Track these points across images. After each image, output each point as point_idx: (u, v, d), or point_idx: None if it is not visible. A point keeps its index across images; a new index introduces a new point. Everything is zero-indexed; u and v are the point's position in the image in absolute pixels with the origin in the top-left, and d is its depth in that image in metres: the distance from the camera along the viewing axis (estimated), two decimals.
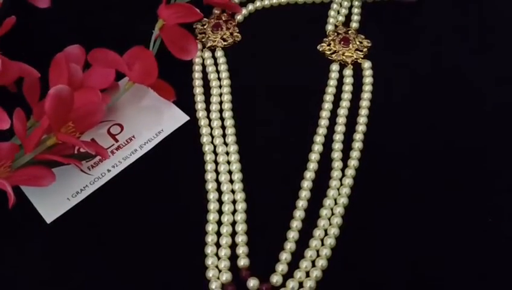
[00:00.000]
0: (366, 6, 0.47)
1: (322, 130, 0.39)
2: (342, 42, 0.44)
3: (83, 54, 0.41)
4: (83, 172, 0.38)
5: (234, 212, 0.36)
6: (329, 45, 0.44)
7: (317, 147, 0.38)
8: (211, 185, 0.37)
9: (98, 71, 0.40)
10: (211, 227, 0.35)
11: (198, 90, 0.42)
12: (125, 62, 0.40)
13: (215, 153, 0.39)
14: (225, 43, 0.45)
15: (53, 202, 0.36)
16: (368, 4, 0.47)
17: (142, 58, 0.39)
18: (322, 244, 0.34)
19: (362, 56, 0.43)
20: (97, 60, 0.39)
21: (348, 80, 0.42)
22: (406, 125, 0.40)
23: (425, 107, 0.41)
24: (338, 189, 0.37)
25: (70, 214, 0.36)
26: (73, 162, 0.35)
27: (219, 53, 0.44)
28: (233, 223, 0.35)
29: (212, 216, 0.36)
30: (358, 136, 0.39)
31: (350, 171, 0.37)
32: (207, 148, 0.39)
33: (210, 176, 0.37)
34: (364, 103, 0.41)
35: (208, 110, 0.41)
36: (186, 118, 0.41)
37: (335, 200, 0.36)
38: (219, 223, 0.35)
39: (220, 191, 0.37)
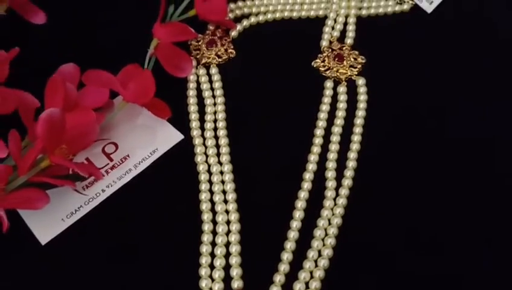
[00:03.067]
0: (361, 22, 0.47)
1: (316, 149, 0.39)
2: (336, 59, 0.44)
3: (78, 72, 0.41)
4: (78, 192, 0.38)
5: (228, 232, 0.36)
6: (323, 61, 0.44)
7: (311, 166, 0.39)
8: (205, 206, 0.37)
9: (92, 90, 0.40)
10: (204, 248, 0.35)
11: (193, 108, 0.42)
12: (119, 81, 0.40)
13: (210, 173, 0.39)
14: (220, 59, 0.45)
15: (47, 222, 0.36)
16: (363, 19, 0.47)
17: (136, 77, 0.39)
18: (316, 266, 0.34)
19: (356, 73, 0.44)
20: (91, 81, 0.39)
21: (342, 98, 0.42)
22: (400, 143, 0.40)
23: (420, 124, 0.41)
24: (332, 209, 0.37)
25: (65, 235, 0.36)
26: (67, 184, 0.35)
27: (213, 70, 0.44)
28: (227, 245, 0.35)
29: (206, 237, 0.36)
30: (353, 155, 0.39)
31: (344, 191, 0.37)
32: (201, 167, 0.39)
33: (204, 196, 0.37)
34: (359, 121, 0.41)
35: (202, 128, 0.41)
36: (180, 136, 0.41)
37: (329, 220, 0.36)
38: (213, 244, 0.35)
39: (214, 212, 0.37)
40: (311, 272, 0.34)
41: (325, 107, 0.42)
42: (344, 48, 0.45)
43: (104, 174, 0.39)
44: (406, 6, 0.48)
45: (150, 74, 0.39)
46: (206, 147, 0.40)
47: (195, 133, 0.40)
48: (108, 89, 0.40)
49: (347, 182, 0.38)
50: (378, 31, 0.47)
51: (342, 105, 0.42)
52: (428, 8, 0.48)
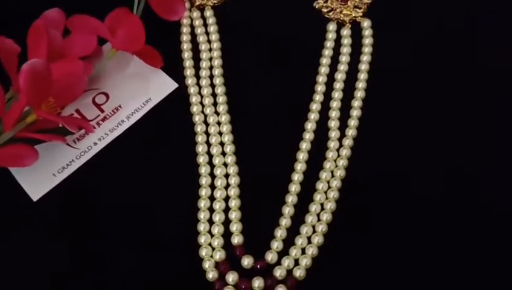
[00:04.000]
0: None
1: (318, 97, 0.37)
2: None
3: (63, 18, 0.38)
4: (69, 146, 0.36)
5: (227, 186, 0.35)
6: (326, 1, 0.41)
7: (314, 116, 0.37)
8: (202, 159, 0.35)
9: (79, 38, 0.37)
10: (203, 203, 0.34)
11: (187, 54, 0.39)
12: (107, 27, 0.37)
13: (206, 124, 0.37)
14: (215, 1, 0.42)
15: (38, 178, 0.35)
16: None
17: (126, 23, 0.36)
18: (318, 220, 0.33)
19: (361, 14, 0.41)
20: (77, 27, 0.37)
21: (346, 41, 0.39)
22: (408, 90, 0.38)
23: (430, 72, 0.39)
24: (335, 160, 0.35)
25: (56, 190, 0.35)
26: (57, 140, 0.33)
27: (208, 13, 0.41)
28: (227, 199, 0.34)
29: (204, 191, 0.34)
30: (357, 103, 0.37)
31: (348, 141, 0.36)
32: (197, 118, 0.37)
33: (201, 148, 0.36)
34: (364, 66, 0.38)
35: (197, 76, 0.39)
36: (174, 85, 0.38)
37: (332, 172, 0.35)
38: (211, 198, 0.34)
39: (212, 165, 0.35)
40: (313, 227, 0.33)
41: (327, 52, 0.39)
42: None
43: (95, 127, 0.37)
44: None
45: (139, 19, 0.36)
46: (202, 96, 0.38)
47: (190, 81, 0.38)
48: (96, 36, 0.37)
49: (351, 132, 0.36)
50: None
51: (345, 49, 0.39)
52: None
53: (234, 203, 0.34)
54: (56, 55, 0.36)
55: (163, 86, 0.38)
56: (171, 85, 0.38)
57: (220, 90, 0.38)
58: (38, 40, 0.35)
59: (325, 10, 0.41)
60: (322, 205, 0.34)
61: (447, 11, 0.41)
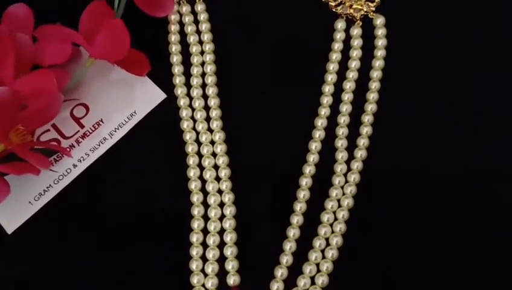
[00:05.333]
0: None
1: (324, 111, 0.33)
2: None
3: (31, 15, 0.33)
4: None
5: (222, 218, 0.31)
6: None
7: (319, 133, 0.33)
8: (194, 185, 0.32)
9: (51, 44, 0.32)
10: (195, 237, 0.31)
11: (176, 58, 0.35)
12: (83, 28, 0.32)
13: (199, 143, 0.33)
14: None
15: (13, 207, 0.31)
16: None
17: (106, 27, 0.31)
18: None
19: (374, 9, 0.36)
20: (47, 37, 0.32)
21: (356, 43, 0.35)
22: (426, 99, 0.34)
23: (451, 76, 0.34)
24: (342, 187, 0.32)
25: (34, 220, 0.31)
26: (29, 172, 0.29)
27: (200, 7, 0.36)
28: (221, 232, 0.31)
29: (197, 223, 0.31)
30: (368, 118, 0.33)
31: (357, 164, 0.32)
32: (188, 136, 0.33)
33: (193, 172, 0.32)
34: (376, 74, 0.34)
35: (188, 84, 0.34)
36: (162, 95, 0.34)
37: (338, 201, 0.31)
38: (205, 232, 0.31)
39: (205, 191, 0.32)
40: (317, 265, 0.30)
41: (335, 56, 0.34)
42: None
43: (74, 145, 0.33)
44: None
45: (122, 23, 0.31)
46: (193, 110, 0.34)
47: (180, 91, 0.34)
48: (69, 43, 0.32)
49: (360, 153, 0.32)
50: None
51: (355, 53, 0.34)
52: None
53: (230, 237, 0.30)
54: (25, 64, 0.32)
55: (149, 96, 0.34)
56: (159, 96, 0.34)
57: (213, 102, 0.34)
58: (2, 51, 0.30)
59: (332, 4, 0.36)
60: (327, 239, 0.31)
61: (467, 7, 0.36)
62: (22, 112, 0.29)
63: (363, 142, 0.32)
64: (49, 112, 0.30)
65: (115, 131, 0.33)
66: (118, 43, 0.32)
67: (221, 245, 0.30)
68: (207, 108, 0.34)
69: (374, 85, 0.34)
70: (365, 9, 0.36)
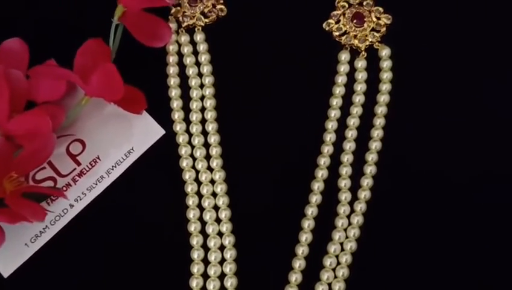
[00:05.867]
0: None
1: (327, 149, 0.32)
2: (355, 20, 0.35)
3: (25, 50, 0.32)
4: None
5: (222, 261, 0.30)
6: (338, 22, 0.35)
7: (322, 173, 0.32)
8: (193, 227, 0.31)
9: (46, 81, 0.31)
10: (195, 282, 0.30)
11: (174, 92, 0.34)
12: (79, 66, 0.31)
13: (198, 183, 0.32)
14: (207, 20, 0.35)
15: (9, 250, 0.31)
16: None
17: (101, 69, 0.30)
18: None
19: (379, 39, 0.34)
20: (41, 77, 0.31)
21: (361, 76, 0.34)
22: (432, 136, 0.33)
23: (460, 114, 0.33)
24: (345, 229, 0.31)
25: (30, 263, 0.31)
26: (24, 221, 0.28)
27: (199, 36, 0.35)
28: (222, 276, 0.30)
29: (196, 268, 0.30)
30: (372, 157, 0.32)
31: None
32: (187, 175, 0.32)
33: (193, 214, 0.31)
34: (380, 110, 0.33)
35: (188, 120, 0.33)
36: (161, 131, 0.33)
37: (341, 244, 0.31)
38: (205, 276, 0.30)
39: (205, 234, 0.31)
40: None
41: (338, 90, 0.33)
42: (365, 3, 0.35)
43: (71, 184, 0.32)
44: None
45: (114, 68, 0.30)
46: (193, 147, 0.33)
47: (179, 128, 0.33)
48: (64, 81, 0.31)
49: (364, 193, 0.31)
50: None
51: (360, 87, 0.33)
52: None
53: (230, 282, 0.30)
54: (19, 101, 0.31)
55: (148, 132, 0.33)
56: (157, 132, 0.33)
57: (213, 139, 0.33)
58: None
59: (336, 33, 0.35)
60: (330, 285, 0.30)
61: (477, 39, 0.35)
62: (15, 158, 0.28)
63: (367, 182, 0.32)
64: (43, 154, 0.29)
65: (112, 169, 0.33)
66: (112, 86, 0.30)
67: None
68: (207, 145, 0.33)
69: (379, 121, 0.33)
70: (370, 40, 0.34)
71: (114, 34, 0.33)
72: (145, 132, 0.33)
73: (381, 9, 0.35)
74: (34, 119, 0.30)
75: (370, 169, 0.32)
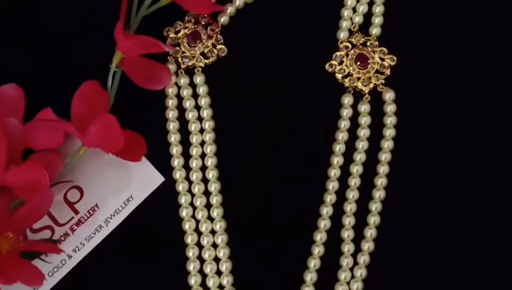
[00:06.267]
0: None
1: (329, 198, 0.32)
2: (358, 62, 0.34)
3: (22, 96, 0.31)
4: (39, 259, 0.31)
5: None
6: (341, 63, 0.34)
7: (324, 223, 0.31)
8: (194, 280, 0.30)
9: (42, 132, 0.31)
10: None
11: (174, 137, 0.33)
12: (76, 116, 0.31)
13: (199, 233, 0.31)
14: (206, 61, 0.34)
15: None
16: None
17: (99, 120, 0.29)
18: None
19: (383, 81, 0.34)
20: (37, 128, 0.30)
21: (364, 121, 0.33)
22: (436, 186, 0.32)
23: (465, 163, 0.32)
24: (351, 269, 0.30)
25: None
26: (20, 281, 0.28)
27: (199, 78, 0.34)
28: None
29: None
30: (375, 207, 0.31)
31: (368, 244, 0.31)
32: (187, 225, 0.31)
33: (193, 266, 0.31)
34: (384, 156, 0.32)
35: (187, 166, 0.33)
36: (160, 178, 0.32)
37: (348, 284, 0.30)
38: None
39: (205, 287, 0.31)
40: None
41: (341, 136, 0.33)
42: (369, 43, 0.34)
43: (69, 234, 0.32)
44: None
45: (115, 120, 0.29)
46: (193, 196, 0.32)
47: (179, 175, 0.32)
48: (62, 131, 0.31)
49: (367, 245, 0.31)
50: (415, 11, 0.35)
51: (363, 132, 0.33)
52: None
53: None
54: (16, 150, 0.30)
55: (147, 179, 0.33)
56: (157, 179, 0.33)
57: (213, 187, 0.32)
58: None
59: (339, 76, 0.34)
60: None
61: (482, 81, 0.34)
62: (12, 217, 0.28)
63: (370, 233, 0.31)
64: (40, 211, 0.29)
65: (111, 218, 0.32)
66: (111, 139, 0.30)
67: None
68: (207, 193, 0.32)
69: (383, 169, 0.32)
70: (374, 82, 0.34)
71: (112, 79, 0.32)
72: (144, 179, 0.33)
73: (385, 50, 0.34)
74: (31, 172, 0.29)
75: (373, 219, 0.31)
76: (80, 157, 0.31)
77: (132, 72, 0.32)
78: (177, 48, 0.34)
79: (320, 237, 0.31)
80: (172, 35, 0.34)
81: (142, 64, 0.32)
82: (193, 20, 0.35)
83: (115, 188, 0.32)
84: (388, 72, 0.34)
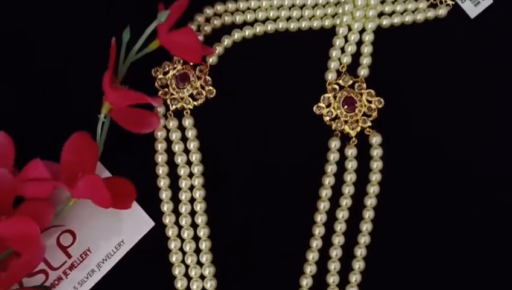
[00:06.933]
0: (381, 35, 0.35)
1: (315, 243, 0.32)
2: (345, 105, 0.34)
3: (11, 144, 0.32)
4: None
5: None
6: (328, 105, 0.34)
7: (310, 268, 0.32)
8: None
9: (32, 183, 0.31)
10: None
11: (163, 182, 0.33)
12: (65, 168, 0.31)
13: (188, 278, 0.32)
14: (195, 102, 0.34)
15: None
16: (384, 31, 0.35)
17: (87, 179, 0.30)
18: None
19: (371, 124, 0.34)
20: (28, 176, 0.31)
21: (351, 166, 0.33)
22: (422, 232, 0.33)
23: (450, 213, 0.33)
24: None
25: None
26: None
27: (187, 121, 0.34)
28: None
29: None
30: (360, 252, 0.32)
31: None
32: (177, 271, 0.32)
33: None
34: (370, 201, 0.33)
35: (177, 211, 0.33)
36: (150, 223, 0.33)
37: None
38: None
39: None
40: None
41: (328, 181, 0.33)
42: (356, 84, 0.34)
43: (62, 278, 0.33)
44: (442, 11, 0.35)
45: (100, 181, 0.30)
46: (182, 241, 0.33)
47: (168, 220, 0.33)
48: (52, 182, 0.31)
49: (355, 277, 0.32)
50: (404, 50, 0.35)
51: (350, 177, 0.33)
52: (472, 11, 0.35)
53: None
54: (7, 201, 0.31)
55: (138, 224, 0.33)
56: (147, 223, 0.33)
57: (202, 233, 0.33)
58: None
59: (326, 118, 0.34)
60: None
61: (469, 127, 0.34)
62: (5, 273, 0.28)
63: (355, 278, 0.32)
64: (32, 262, 0.30)
65: (103, 262, 0.33)
66: (98, 197, 0.30)
67: None
68: (196, 238, 0.33)
69: (368, 214, 0.33)
70: (361, 125, 0.34)
71: (101, 129, 0.32)
72: (135, 224, 0.33)
73: (373, 92, 0.34)
74: (21, 224, 0.30)
75: (358, 265, 0.32)
76: (70, 207, 0.32)
77: (121, 119, 0.32)
78: (166, 89, 0.34)
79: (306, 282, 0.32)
80: (160, 76, 0.35)
81: (131, 112, 0.32)
82: (181, 61, 0.35)
83: (106, 232, 0.33)
84: (375, 114, 0.34)
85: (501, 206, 0.33)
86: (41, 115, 0.34)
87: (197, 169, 0.33)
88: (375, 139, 0.34)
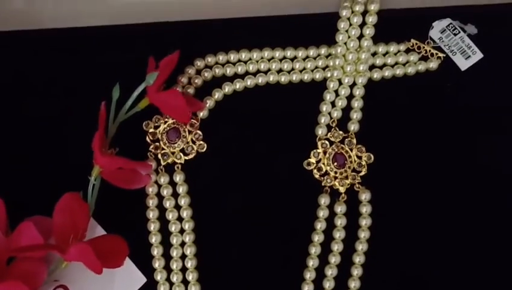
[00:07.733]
0: (372, 89, 0.35)
1: None
2: (335, 162, 0.34)
3: (2, 207, 0.32)
4: None
5: None
6: (318, 161, 0.34)
7: None
8: None
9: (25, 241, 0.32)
10: None
11: (155, 238, 0.34)
12: (57, 229, 0.31)
13: None
14: (186, 157, 0.35)
15: None
16: (374, 84, 0.35)
17: (77, 247, 0.30)
18: None
19: (360, 180, 0.34)
20: (20, 240, 0.31)
21: (340, 223, 0.34)
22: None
23: (442, 266, 0.34)
24: None
25: None
26: None
27: (178, 177, 0.34)
28: None
29: None
30: None
31: None
32: None
33: None
34: (358, 259, 0.33)
35: (168, 267, 0.34)
36: (143, 279, 0.34)
37: None
38: None
39: None
40: None
41: (317, 238, 0.34)
42: (346, 140, 0.34)
43: None
44: (432, 64, 0.35)
45: (90, 250, 0.30)
46: None
47: (160, 277, 0.33)
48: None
49: None
50: (394, 104, 0.35)
51: (338, 234, 0.34)
52: (463, 64, 0.35)
53: None
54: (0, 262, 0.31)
55: (130, 280, 0.34)
56: (139, 279, 0.34)
57: (193, 289, 0.33)
58: None
59: (316, 175, 0.34)
60: None
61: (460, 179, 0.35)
62: None
63: None
64: None
65: None
66: (89, 263, 0.31)
67: None
68: None
69: (356, 272, 0.33)
70: (351, 181, 0.34)
71: (92, 191, 0.32)
72: (127, 279, 0.34)
73: (363, 148, 0.34)
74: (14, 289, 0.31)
75: None
76: (62, 270, 0.32)
77: (112, 178, 0.33)
78: (157, 144, 0.35)
79: None
80: (151, 130, 0.35)
81: (121, 172, 0.33)
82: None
83: (99, 287, 0.34)
84: (365, 170, 0.34)
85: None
86: (34, 171, 0.34)
87: (187, 225, 0.34)
88: (365, 195, 0.34)
